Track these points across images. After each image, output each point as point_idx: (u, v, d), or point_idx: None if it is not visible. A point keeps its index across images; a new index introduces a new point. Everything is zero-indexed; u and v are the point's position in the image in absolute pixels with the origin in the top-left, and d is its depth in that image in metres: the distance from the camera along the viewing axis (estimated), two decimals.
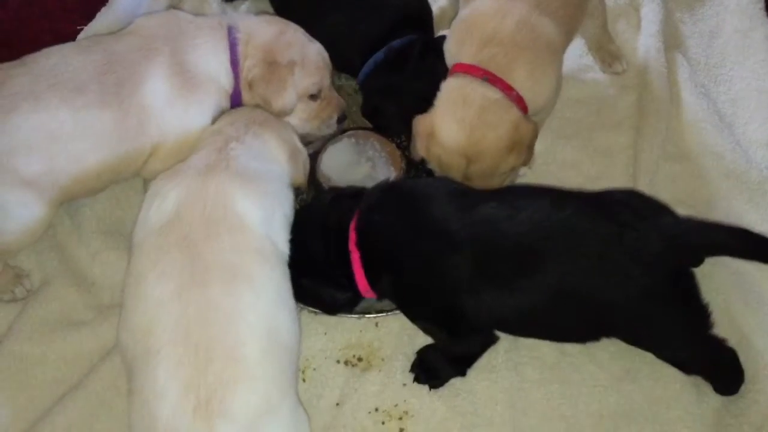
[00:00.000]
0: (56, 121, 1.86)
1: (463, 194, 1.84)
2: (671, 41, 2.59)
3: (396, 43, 2.25)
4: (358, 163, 2.23)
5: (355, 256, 1.82)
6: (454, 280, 1.73)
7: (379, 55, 2.26)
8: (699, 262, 1.85)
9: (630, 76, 2.49)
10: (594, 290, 1.69)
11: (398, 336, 2.04)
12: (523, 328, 1.86)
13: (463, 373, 1.95)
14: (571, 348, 1.99)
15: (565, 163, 2.34)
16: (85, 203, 2.22)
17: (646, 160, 2.30)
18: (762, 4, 2.63)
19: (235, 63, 2.06)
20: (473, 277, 1.71)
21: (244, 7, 2.72)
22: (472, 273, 1.71)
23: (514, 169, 2.01)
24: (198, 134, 1.99)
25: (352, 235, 1.82)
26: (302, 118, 2.18)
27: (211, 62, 2.04)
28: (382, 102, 2.27)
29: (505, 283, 1.71)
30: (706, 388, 1.91)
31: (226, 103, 2.08)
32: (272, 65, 2.06)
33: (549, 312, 1.73)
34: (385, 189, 1.93)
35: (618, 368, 1.97)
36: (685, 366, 1.87)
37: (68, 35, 2.55)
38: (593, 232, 1.68)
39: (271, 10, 2.56)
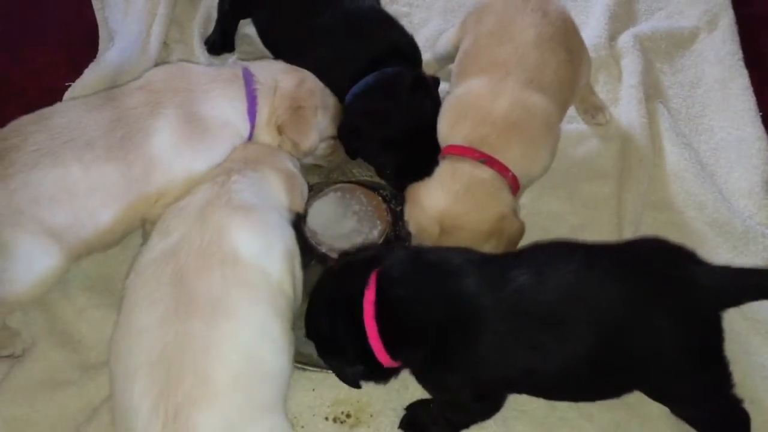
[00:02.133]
0: (72, 176, 1.93)
1: (491, 262, 1.77)
2: (652, 91, 2.63)
3: (389, 69, 2.26)
4: (345, 217, 2.24)
5: (373, 331, 1.73)
6: (489, 356, 1.68)
7: (370, 77, 2.25)
8: (736, 305, 1.79)
9: (612, 127, 2.53)
10: (626, 349, 1.65)
11: (387, 391, 2.02)
12: (557, 393, 1.82)
13: None
14: (560, 402, 1.98)
15: (550, 214, 2.36)
16: None
17: (629, 210, 2.33)
18: (740, 55, 2.69)
19: (252, 112, 2.15)
20: (509, 350, 1.66)
21: (230, 61, 2.74)
22: (507, 347, 1.66)
23: None
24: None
25: (368, 309, 1.73)
26: (322, 156, 2.34)
27: (226, 110, 2.12)
28: (364, 125, 2.24)
29: (540, 353, 1.66)
30: None
31: (240, 141, 2.16)
32: (298, 110, 2.18)
33: (584, 376, 1.69)
34: (409, 260, 1.83)
35: (608, 422, 1.96)
36: (701, 424, 1.84)
37: (56, 91, 2.58)
38: (623, 290, 1.64)
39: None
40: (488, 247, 1.95)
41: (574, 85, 2.22)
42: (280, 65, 2.28)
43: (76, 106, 2.05)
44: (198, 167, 2.05)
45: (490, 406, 1.85)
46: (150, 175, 2.00)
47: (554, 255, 1.76)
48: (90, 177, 1.94)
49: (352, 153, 2.35)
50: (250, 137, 2.17)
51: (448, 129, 2.07)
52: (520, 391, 1.83)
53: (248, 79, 2.16)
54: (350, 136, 2.28)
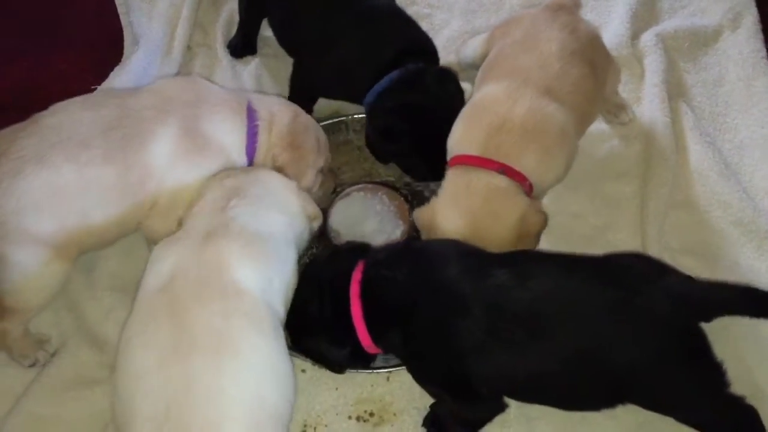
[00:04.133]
0: (61, 178, 1.87)
1: (475, 256, 1.82)
2: (675, 90, 2.61)
3: (411, 65, 2.23)
4: (367, 218, 2.26)
5: (357, 308, 1.80)
6: (464, 344, 1.71)
7: (394, 73, 2.21)
8: (708, 320, 1.82)
9: (635, 126, 2.51)
10: (605, 356, 1.67)
11: (410, 390, 2.03)
12: (533, 396, 1.84)
13: None
14: None
15: (572, 214, 2.36)
16: (99, 260, 2.24)
17: (653, 210, 2.31)
18: (764, 53, 2.67)
19: (251, 149, 2.10)
20: (484, 342, 1.69)
21: (253, 64, 2.77)
22: (482, 338, 1.69)
23: None
24: (193, 192, 1.99)
25: (355, 287, 1.80)
26: (313, 191, 2.24)
27: (226, 137, 2.07)
28: (396, 121, 2.19)
29: (516, 350, 1.69)
30: None
31: None
32: (298, 149, 2.13)
33: (561, 379, 1.71)
34: (395, 246, 1.93)
35: (632, 421, 1.94)
36: (705, 427, 1.83)
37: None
38: (602, 298, 1.68)
39: (279, 62, 2.60)
40: (511, 247, 1.95)
41: (596, 100, 2.20)
42: (274, 99, 2.23)
43: (72, 104, 2.01)
44: (189, 181, 2.00)
45: (475, 408, 1.85)
46: (145, 181, 1.96)
47: (536, 260, 1.82)
48: (84, 178, 1.89)
49: (384, 157, 2.32)
50: None
51: (461, 134, 2.06)
52: (502, 392, 1.82)
53: (251, 115, 2.11)
54: (382, 137, 2.24)
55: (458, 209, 1.96)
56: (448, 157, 2.07)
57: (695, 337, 1.72)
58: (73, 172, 1.88)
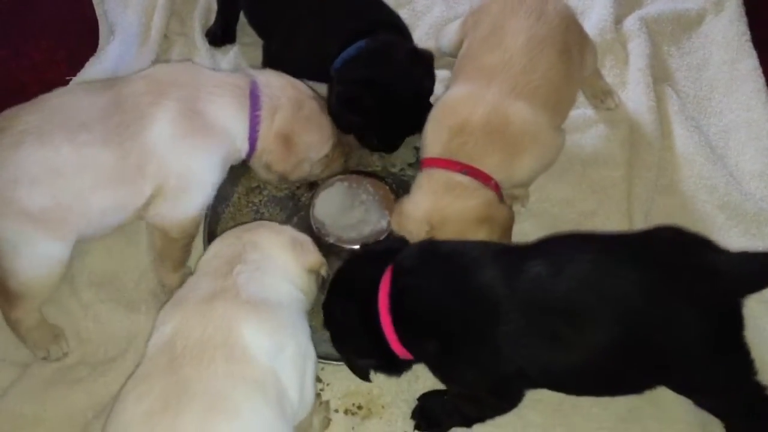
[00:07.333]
0: (59, 156, 1.86)
1: (506, 253, 1.76)
2: (660, 75, 2.60)
3: (383, 36, 2.17)
4: (352, 207, 2.21)
5: (386, 321, 1.74)
6: (506, 349, 1.66)
7: (361, 42, 2.16)
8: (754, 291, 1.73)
9: (620, 111, 2.49)
10: (648, 339, 1.62)
11: (398, 382, 2.01)
12: (579, 386, 1.79)
13: (468, 425, 1.91)
14: None
15: (559, 200, 2.34)
16: (78, 255, 2.17)
17: (639, 195, 2.30)
18: (748, 36, 2.66)
19: (253, 138, 2.08)
20: (526, 343, 1.64)
21: (232, 53, 2.72)
22: (524, 339, 1.64)
23: None
24: (201, 177, 2.01)
25: (383, 300, 1.74)
26: (316, 173, 2.26)
27: (228, 119, 2.04)
28: (360, 94, 2.13)
29: (560, 344, 1.64)
30: (712, 427, 1.88)
31: (235, 161, 2.13)
32: (288, 143, 2.11)
33: (606, 366, 1.67)
34: (423, 251, 1.84)
35: (621, 408, 1.94)
36: (725, 413, 1.82)
37: (56, 86, 2.52)
38: (642, 279, 1.61)
39: (259, 51, 2.55)
40: (482, 236, 1.93)
41: (571, 84, 2.16)
42: (280, 82, 2.15)
43: (75, 90, 2.02)
44: (193, 161, 1.99)
45: (507, 402, 1.82)
46: (145, 166, 1.94)
47: (570, 245, 1.75)
48: (81, 158, 1.88)
49: (346, 127, 2.25)
50: (247, 159, 2.14)
51: (428, 136, 2.06)
52: (540, 386, 1.78)
53: (255, 102, 2.07)
54: (344, 107, 2.17)
55: (421, 194, 1.98)
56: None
57: (735, 318, 1.66)
58: (71, 152, 1.87)
